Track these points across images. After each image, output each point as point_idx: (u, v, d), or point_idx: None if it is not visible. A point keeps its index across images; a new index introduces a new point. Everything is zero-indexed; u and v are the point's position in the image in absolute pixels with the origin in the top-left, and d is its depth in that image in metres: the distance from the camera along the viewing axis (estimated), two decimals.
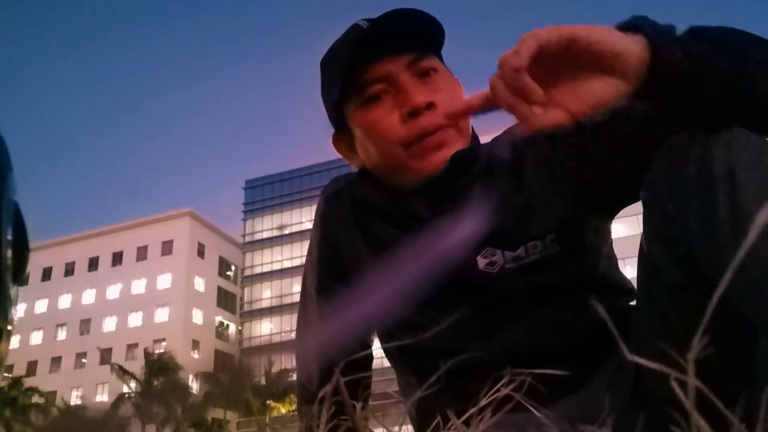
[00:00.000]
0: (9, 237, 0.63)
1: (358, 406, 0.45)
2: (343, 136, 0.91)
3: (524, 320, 0.79)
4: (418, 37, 0.82)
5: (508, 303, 0.80)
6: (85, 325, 38.16)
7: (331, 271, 0.95)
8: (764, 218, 0.23)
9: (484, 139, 0.92)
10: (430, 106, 0.79)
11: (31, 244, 0.72)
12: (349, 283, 0.89)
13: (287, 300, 37.22)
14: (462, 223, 0.78)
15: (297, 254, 38.10)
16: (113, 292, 38.69)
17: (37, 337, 38.53)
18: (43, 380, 34.72)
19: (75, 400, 34.20)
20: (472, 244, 0.79)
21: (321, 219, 0.96)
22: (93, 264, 40.00)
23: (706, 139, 0.57)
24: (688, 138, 0.59)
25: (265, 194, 40.87)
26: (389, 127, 0.81)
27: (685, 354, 0.55)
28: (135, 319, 37.40)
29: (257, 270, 39.03)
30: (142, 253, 39.23)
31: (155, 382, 27.82)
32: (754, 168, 0.53)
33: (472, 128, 0.90)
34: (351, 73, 0.81)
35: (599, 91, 0.54)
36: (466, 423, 0.52)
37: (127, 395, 27.10)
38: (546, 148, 0.81)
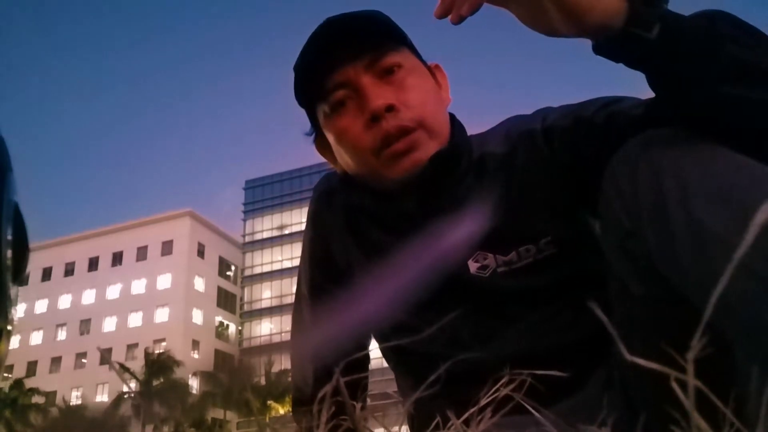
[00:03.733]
0: (9, 237, 0.63)
1: (358, 406, 0.45)
2: (323, 141, 0.88)
3: (521, 323, 0.77)
4: (376, 35, 0.79)
5: (504, 306, 0.78)
6: (85, 325, 38.14)
7: (324, 271, 0.93)
8: (763, 218, 0.23)
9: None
10: (390, 108, 0.75)
11: (31, 244, 0.71)
12: (343, 284, 0.88)
13: (287, 300, 37.16)
14: (454, 224, 0.76)
15: (297, 254, 37.41)
16: (113, 292, 38.67)
17: (37, 337, 38.51)
18: (43, 380, 34.69)
19: (75, 400, 34.19)
20: (465, 247, 0.77)
21: (313, 218, 0.94)
22: (93, 264, 39.98)
23: (654, 148, 0.58)
24: (637, 147, 0.59)
25: (265, 194, 40.85)
26: (356, 135, 0.78)
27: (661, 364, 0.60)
28: (135, 319, 37.37)
29: (257, 270, 39.01)
30: (142, 253, 39.20)
31: (155, 382, 27.82)
32: (703, 176, 0.53)
33: (459, 122, 0.86)
34: (313, 83, 0.79)
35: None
36: (465, 424, 0.51)
37: (127, 395, 27.08)
38: (541, 143, 0.78)
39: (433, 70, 0.87)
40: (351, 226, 0.88)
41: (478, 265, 0.78)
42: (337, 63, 0.78)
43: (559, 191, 0.77)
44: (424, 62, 0.85)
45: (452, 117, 0.86)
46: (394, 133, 0.75)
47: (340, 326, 0.77)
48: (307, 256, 0.96)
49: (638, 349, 0.52)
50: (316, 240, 0.94)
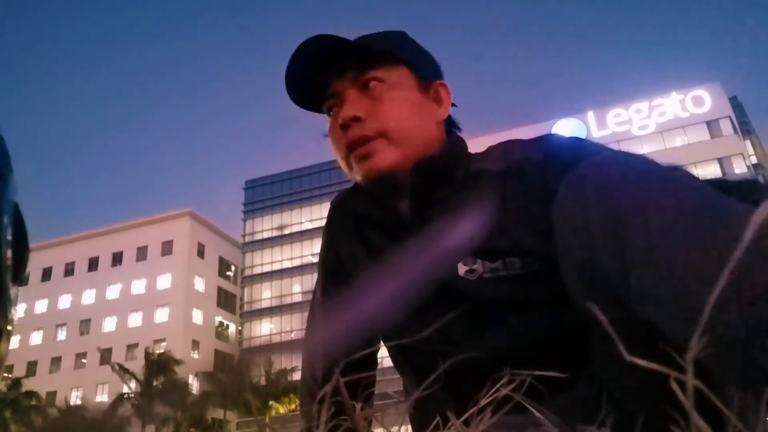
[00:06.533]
0: (9, 237, 0.63)
1: (358, 406, 0.45)
2: None
3: (509, 323, 0.80)
4: (365, 54, 0.87)
5: (492, 308, 0.81)
6: (85, 325, 38.14)
7: (334, 276, 1.00)
8: (762, 217, 0.23)
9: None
10: (356, 119, 0.85)
11: (31, 244, 0.72)
12: (350, 287, 0.92)
13: (287, 300, 37.17)
14: (445, 232, 0.81)
15: (297, 254, 38.05)
16: (113, 292, 38.67)
17: (37, 338, 38.51)
18: (43, 381, 34.71)
19: (75, 400, 34.18)
20: (456, 251, 0.81)
21: (326, 228, 1.03)
22: (93, 264, 39.99)
23: (603, 173, 0.59)
24: (585, 173, 0.60)
25: (265, 194, 40.84)
26: (335, 138, 0.89)
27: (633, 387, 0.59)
28: (135, 319, 37.38)
29: (257, 270, 38.99)
30: (142, 253, 39.21)
31: (155, 382, 27.82)
32: (658, 198, 0.54)
33: (458, 137, 0.92)
34: (316, 91, 0.91)
35: None
36: (464, 424, 0.52)
37: (127, 395, 27.08)
38: (536, 170, 0.81)
39: (436, 88, 0.92)
40: (358, 232, 0.95)
41: (467, 268, 0.82)
42: (331, 75, 0.88)
43: (548, 218, 0.76)
44: (424, 79, 0.91)
45: (451, 132, 0.93)
46: (356, 141, 0.85)
47: (346, 325, 0.81)
48: (321, 263, 1.04)
49: (615, 361, 0.53)
50: (327, 248, 1.02)
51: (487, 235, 0.79)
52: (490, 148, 0.91)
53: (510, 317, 0.80)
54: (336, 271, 0.99)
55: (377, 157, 0.84)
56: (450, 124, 0.94)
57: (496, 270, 0.80)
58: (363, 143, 0.85)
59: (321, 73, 0.88)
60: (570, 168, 0.73)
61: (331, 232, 1.01)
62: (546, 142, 0.86)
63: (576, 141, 0.84)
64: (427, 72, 0.92)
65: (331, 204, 1.04)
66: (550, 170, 0.80)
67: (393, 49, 0.89)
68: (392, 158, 0.84)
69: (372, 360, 0.97)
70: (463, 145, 0.92)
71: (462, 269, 0.82)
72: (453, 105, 0.94)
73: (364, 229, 0.95)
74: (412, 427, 0.87)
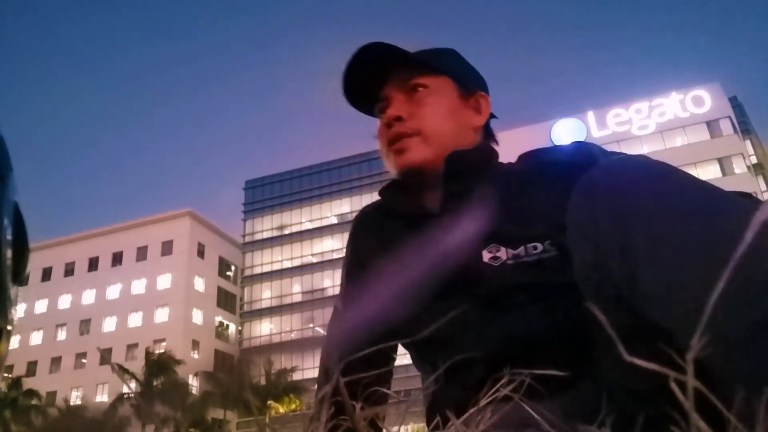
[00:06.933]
0: (9, 237, 0.64)
1: (358, 406, 0.45)
2: None
3: (518, 313, 0.82)
4: (414, 63, 0.98)
5: (505, 296, 0.83)
6: (85, 325, 38.15)
7: (355, 284, 1.02)
8: (763, 218, 0.23)
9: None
10: (399, 118, 0.96)
11: (31, 244, 0.72)
12: (371, 291, 0.93)
13: (287, 300, 37.16)
14: (468, 220, 0.85)
15: (297, 254, 38.05)
16: (113, 292, 38.68)
17: (37, 338, 38.51)
18: (43, 380, 34.70)
19: (75, 400, 34.17)
20: (477, 240, 0.86)
21: (350, 238, 1.09)
22: (93, 264, 40.00)
23: (611, 176, 0.61)
24: (594, 178, 0.62)
25: (265, 194, 40.83)
26: (381, 133, 1.01)
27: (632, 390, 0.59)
28: (135, 319, 37.38)
29: (257, 270, 38.99)
30: (142, 253, 39.22)
31: (155, 382, 27.82)
32: (665, 201, 0.55)
33: (489, 146, 1.01)
34: (372, 93, 1.02)
35: None
36: (466, 421, 0.52)
37: (127, 395, 27.08)
38: (562, 175, 0.82)
39: (477, 98, 1.02)
40: (382, 227, 1.02)
41: (491, 255, 0.86)
42: (385, 81, 1.01)
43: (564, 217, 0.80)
44: (465, 89, 1.01)
45: (485, 140, 1.02)
46: (395, 137, 0.96)
47: (363, 323, 0.84)
48: (344, 274, 1.08)
49: (619, 363, 0.56)
50: (352, 258, 1.07)
51: (510, 225, 0.85)
52: (520, 156, 0.98)
53: (519, 307, 0.82)
54: (358, 280, 1.01)
55: (410, 152, 0.95)
56: (488, 134, 1.04)
57: (518, 256, 0.84)
58: (400, 139, 0.96)
59: (376, 79, 1.00)
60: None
61: (355, 242, 1.07)
62: (571, 147, 0.92)
63: (597, 147, 0.90)
64: (469, 83, 1.03)
65: (355, 218, 1.10)
66: (572, 174, 0.81)
67: (437, 62, 1.00)
68: (424, 154, 0.94)
69: (386, 357, 0.98)
70: (493, 150, 1.02)
71: (486, 256, 0.86)
72: (494, 116, 1.04)
73: (387, 224, 1.00)
74: (426, 422, 0.88)
